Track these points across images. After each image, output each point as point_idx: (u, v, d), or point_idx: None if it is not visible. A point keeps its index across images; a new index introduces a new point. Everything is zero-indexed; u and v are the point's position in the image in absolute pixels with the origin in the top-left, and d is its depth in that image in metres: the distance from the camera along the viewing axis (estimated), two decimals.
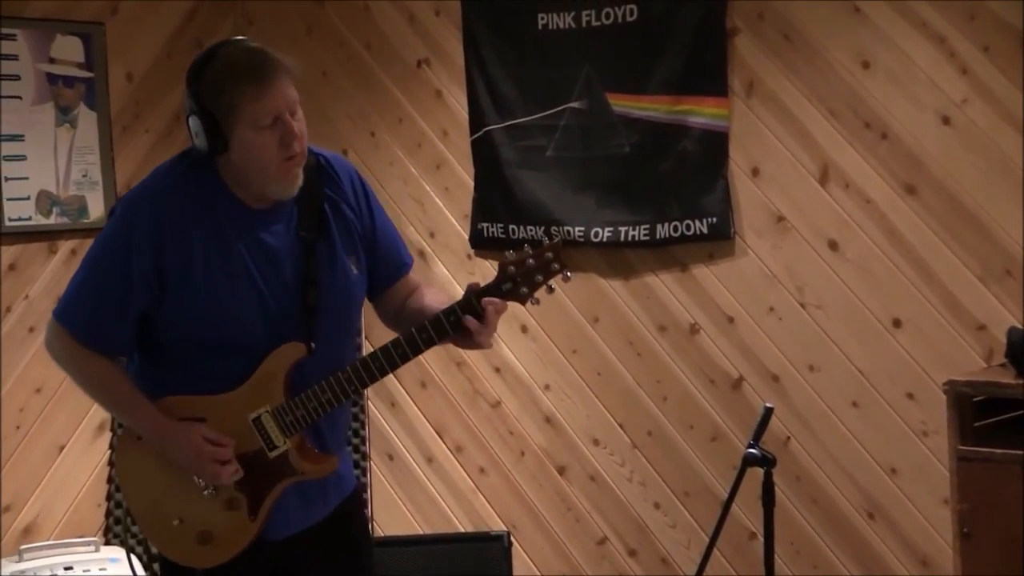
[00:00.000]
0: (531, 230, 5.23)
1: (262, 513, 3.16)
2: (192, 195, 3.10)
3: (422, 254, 5.54)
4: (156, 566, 5.45)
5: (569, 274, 3.16)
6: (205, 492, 3.16)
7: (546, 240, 3.22)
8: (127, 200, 3.18)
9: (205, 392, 3.14)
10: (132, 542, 5.44)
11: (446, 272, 5.52)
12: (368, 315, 3.62)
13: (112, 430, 5.55)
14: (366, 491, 5.36)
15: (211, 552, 3.17)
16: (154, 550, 3.31)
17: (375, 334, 4.82)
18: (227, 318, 3.08)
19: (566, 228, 5.13)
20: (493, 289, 3.14)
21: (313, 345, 3.14)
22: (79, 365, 3.19)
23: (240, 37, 3.15)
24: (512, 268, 3.12)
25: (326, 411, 3.15)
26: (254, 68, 2.99)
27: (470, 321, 3.10)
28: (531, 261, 3.12)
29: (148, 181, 3.18)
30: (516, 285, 3.12)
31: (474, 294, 3.12)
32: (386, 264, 3.36)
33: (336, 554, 3.35)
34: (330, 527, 3.32)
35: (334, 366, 3.16)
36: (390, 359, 3.13)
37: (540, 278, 3.12)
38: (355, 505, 3.44)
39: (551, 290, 3.17)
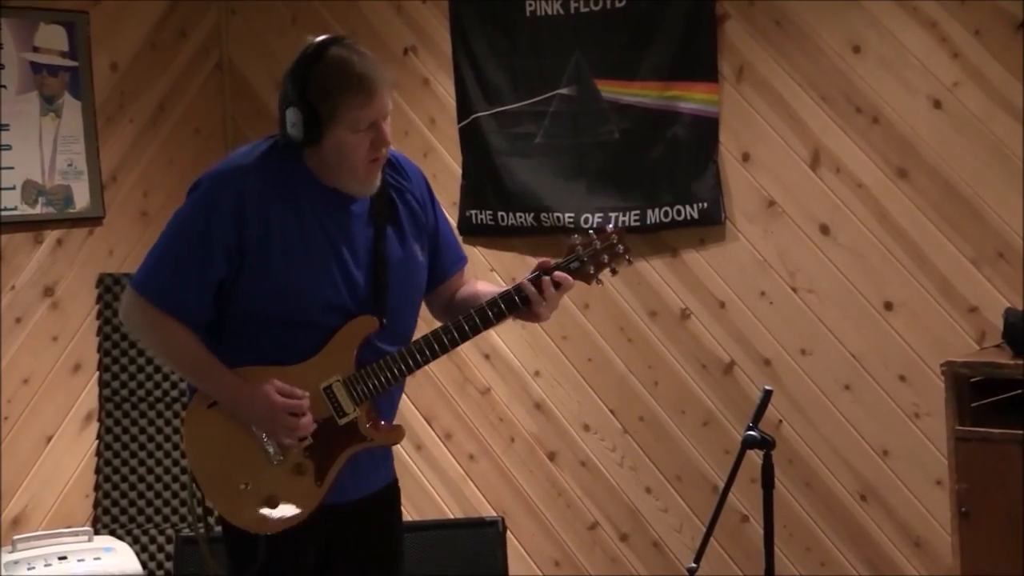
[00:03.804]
0: (520, 217, 5.24)
1: (328, 478, 3.27)
2: (274, 173, 3.25)
3: None
4: (161, 556, 5.46)
5: (630, 259, 3.41)
6: (273, 458, 3.25)
7: (609, 227, 3.41)
8: (209, 175, 3.29)
9: (278, 363, 3.26)
10: (121, 532, 5.43)
11: None
12: None
13: (99, 420, 5.53)
14: None
15: (277, 516, 3.26)
16: (211, 510, 3.42)
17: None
18: (301, 292, 3.22)
19: (556, 214, 5.14)
20: (562, 267, 3.32)
21: (384, 320, 3.28)
22: (158, 333, 3.29)
23: (346, 38, 3.25)
24: (580, 248, 3.33)
25: (396, 381, 3.29)
26: (363, 78, 3.16)
27: (534, 294, 3.27)
28: (597, 243, 3.33)
29: (231, 158, 3.33)
30: (583, 264, 3.32)
31: (544, 270, 3.29)
32: (445, 259, 3.51)
33: (379, 534, 3.48)
34: (377, 507, 3.45)
35: (399, 344, 3.31)
36: (461, 331, 3.29)
37: (606, 258, 3.34)
38: (397, 493, 3.56)
39: (615, 272, 3.39)
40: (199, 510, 3.37)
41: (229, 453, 3.27)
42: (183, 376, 3.41)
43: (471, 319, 3.28)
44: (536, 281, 3.28)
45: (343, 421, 3.26)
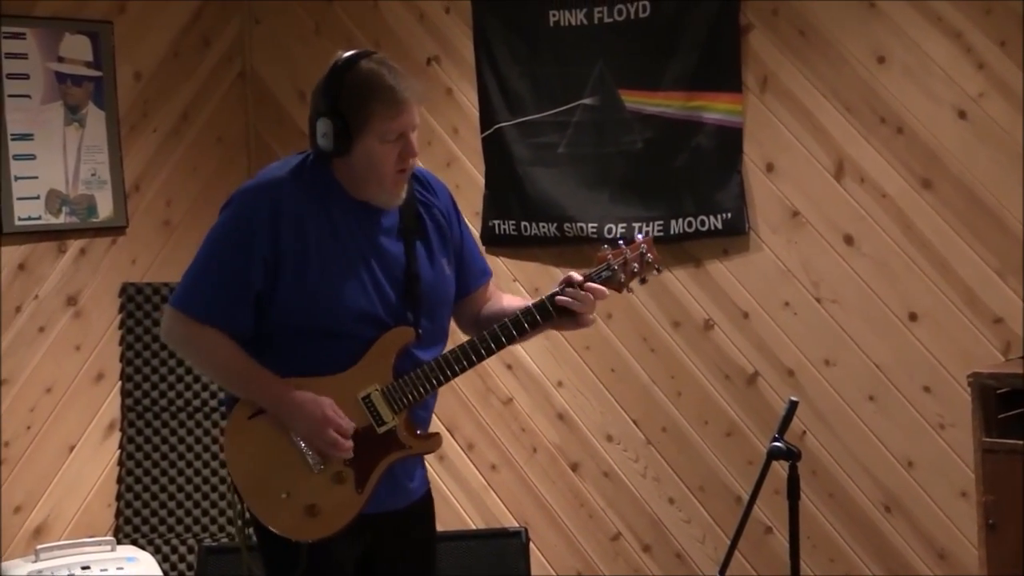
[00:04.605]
0: (544, 227, 5.23)
1: (369, 487, 3.31)
2: (307, 186, 3.29)
3: None
4: (183, 566, 5.47)
5: (660, 268, 3.47)
6: (315, 467, 3.29)
7: (639, 237, 3.47)
8: (243, 190, 3.35)
9: (314, 374, 3.29)
10: (143, 542, 5.44)
11: None
12: None
13: (121, 429, 5.54)
14: None
15: (318, 524, 3.30)
16: (254, 521, 3.42)
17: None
18: (337, 303, 3.26)
19: (579, 224, 5.14)
20: (593, 276, 3.38)
21: (420, 332, 3.33)
22: (202, 346, 3.33)
23: (376, 52, 3.31)
24: (611, 258, 3.39)
25: (434, 390, 3.35)
26: (394, 90, 3.22)
27: (571, 302, 3.32)
28: (628, 253, 3.39)
29: (264, 173, 3.37)
30: (614, 273, 3.39)
31: (571, 283, 3.35)
32: (469, 272, 3.56)
33: (416, 546, 3.54)
34: (414, 519, 3.51)
35: (434, 355, 3.37)
36: (496, 340, 3.34)
37: (636, 267, 3.40)
38: (431, 505, 3.61)
39: (644, 281, 3.46)
40: (239, 522, 3.40)
41: (270, 463, 3.31)
42: (230, 388, 3.40)
43: (506, 328, 3.33)
44: (569, 289, 3.33)
45: (382, 430, 3.31)
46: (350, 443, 3.26)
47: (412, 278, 3.33)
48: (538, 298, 3.38)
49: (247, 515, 3.37)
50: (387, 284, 3.31)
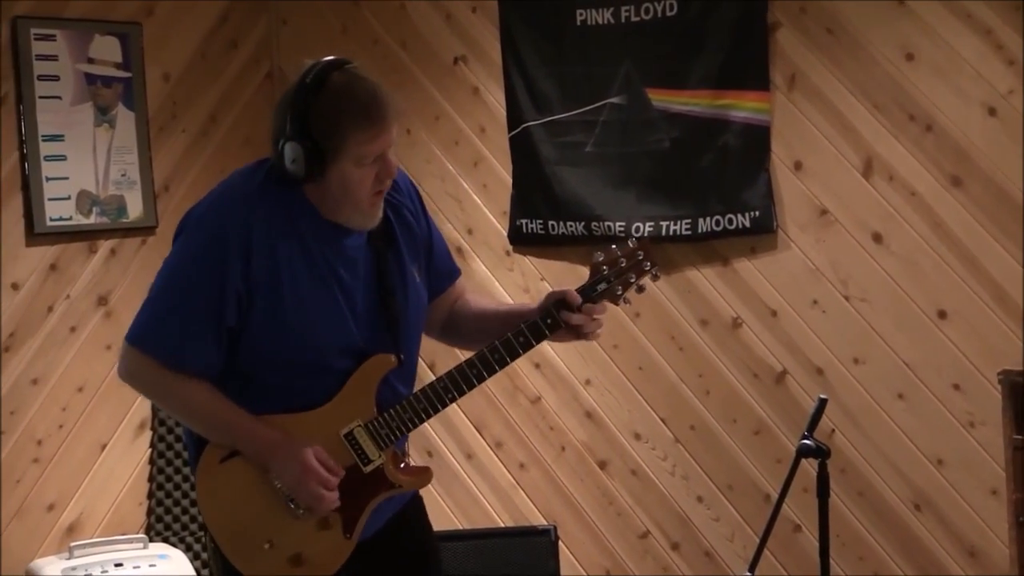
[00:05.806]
0: (571, 226, 5.24)
1: (358, 530, 3.11)
2: (274, 207, 3.02)
3: (460, 251, 5.54)
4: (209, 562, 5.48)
5: (657, 273, 3.22)
6: (297, 512, 3.08)
7: (632, 241, 3.25)
8: (205, 212, 3.05)
9: (290, 410, 3.08)
10: (174, 540, 5.47)
11: (484, 269, 5.52)
12: None
13: (152, 428, 5.57)
14: None
15: (303, 574, 3.09)
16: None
17: None
18: (314, 334, 3.02)
19: (607, 223, 5.14)
20: (588, 290, 3.18)
21: (402, 357, 3.11)
22: (170, 392, 3.06)
23: (348, 63, 3.03)
24: (605, 269, 3.17)
25: (421, 421, 3.12)
26: (370, 110, 2.94)
27: (575, 317, 3.14)
28: (623, 261, 3.17)
29: (225, 192, 3.09)
30: (610, 285, 3.17)
31: (567, 303, 3.14)
32: (438, 272, 3.34)
33: (402, 558, 3.31)
34: (400, 527, 3.29)
35: (411, 377, 3.18)
36: (488, 365, 3.12)
37: (633, 277, 3.18)
38: (418, 507, 3.40)
39: (641, 289, 3.23)
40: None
41: (249, 510, 3.07)
42: (205, 434, 3.09)
43: (497, 352, 3.11)
44: (565, 312, 3.14)
45: (368, 468, 3.10)
46: (334, 496, 3.02)
47: (389, 296, 3.10)
48: (528, 310, 3.19)
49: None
50: (363, 307, 3.07)
